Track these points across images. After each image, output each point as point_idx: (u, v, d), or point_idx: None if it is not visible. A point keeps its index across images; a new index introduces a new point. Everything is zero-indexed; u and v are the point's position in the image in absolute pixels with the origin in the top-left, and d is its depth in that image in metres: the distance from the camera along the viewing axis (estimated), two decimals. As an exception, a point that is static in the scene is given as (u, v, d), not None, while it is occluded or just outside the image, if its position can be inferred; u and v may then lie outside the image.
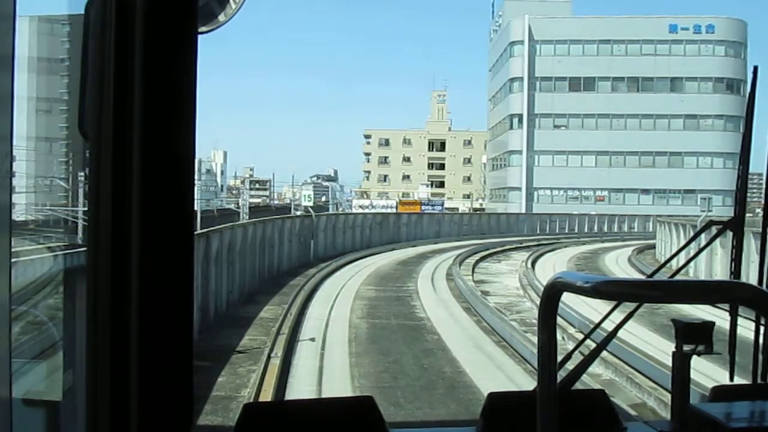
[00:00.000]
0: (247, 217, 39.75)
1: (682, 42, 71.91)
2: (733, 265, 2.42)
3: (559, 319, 1.30)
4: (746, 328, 2.33)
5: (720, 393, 1.98)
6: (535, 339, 5.52)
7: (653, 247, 38.45)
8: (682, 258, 3.01)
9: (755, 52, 70.03)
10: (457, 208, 78.38)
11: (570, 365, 2.05)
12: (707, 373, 6.43)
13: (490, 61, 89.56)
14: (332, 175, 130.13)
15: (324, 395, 10.93)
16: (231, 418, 9.52)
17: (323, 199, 79.04)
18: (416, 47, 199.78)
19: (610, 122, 73.40)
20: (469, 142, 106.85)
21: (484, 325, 17.28)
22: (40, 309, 2.93)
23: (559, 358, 1.42)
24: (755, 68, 2.53)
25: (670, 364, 2.04)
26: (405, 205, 62.04)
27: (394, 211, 55.63)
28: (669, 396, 2.37)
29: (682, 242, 26.58)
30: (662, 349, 11.87)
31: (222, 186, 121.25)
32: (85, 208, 1.36)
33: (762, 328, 2.29)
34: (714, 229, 2.64)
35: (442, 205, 69.40)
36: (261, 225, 25.37)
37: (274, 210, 60.49)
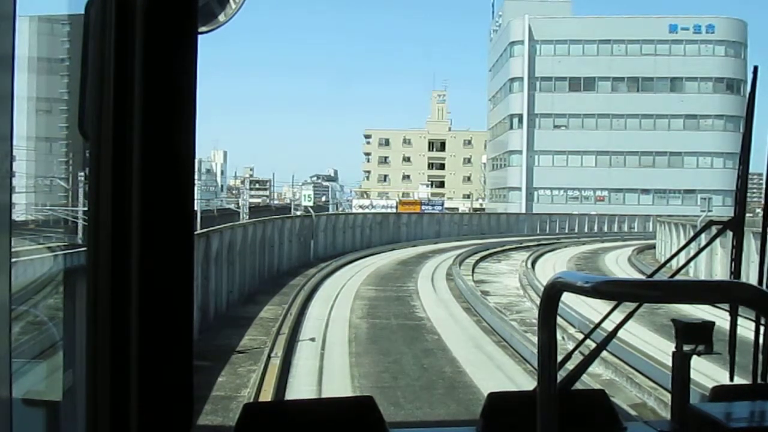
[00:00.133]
0: (247, 217, 39.73)
1: (682, 42, 71.91)
2: (733, 265, 2.42)
3: (559, 319, 1.30)
4: (746, 328, 2.33)
5: (720, 393, 1.98)
6: (535, 339, 5.53)
7: (653, 247, 38.46)
8: (682, 258, 3.01)
9: (755, 52, 70.18)
10: (457, 208, 78.36)
11: (570, 365, 2.05)
12: (707, 373, 6.44)
13: (490, 61, 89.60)
14: (332, 175, 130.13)
15: (324, 395, 10.93)
16: (231, 418, 9.52)
17: (323, 199, 79.05)
18: (416, 47, 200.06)
19: (610, 122, 73.40)
20: (469, 142, 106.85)
21: (484, 325, 17.28)
22: (40, 309, 2.93)
23: (559, 358, 1.42)
24: (755, 68, 2.54)
25: (670, 364, 2.04)
26: (405, 205, 62.02)
27: (394, 211, 55.62)
28: (669, 396, 2.37)
29: (682, 242, 26.59)
30: (662, 349, 11.87)
31: (222, 186, 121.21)
32: (85, 208, 1.36)
33: (762, 328, 2.29)
34: (714, 229, 2.65)
35: (442, 205, 69.37)
36: (261, 225, 25.37)
37: (274, 210, 60.48)
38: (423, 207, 62.54)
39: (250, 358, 13.51)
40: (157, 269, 1.13)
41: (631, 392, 11.46)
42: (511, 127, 77.25)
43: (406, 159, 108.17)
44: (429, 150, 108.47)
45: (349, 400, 2.05)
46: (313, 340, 15.44)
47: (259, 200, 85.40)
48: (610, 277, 1.32)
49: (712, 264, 22.46)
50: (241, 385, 11.78)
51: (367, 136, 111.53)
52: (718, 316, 2.08)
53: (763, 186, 2.76)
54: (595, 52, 73.61)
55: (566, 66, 73.38)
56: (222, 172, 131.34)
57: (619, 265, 33.44)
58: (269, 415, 1.80)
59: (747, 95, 2.56)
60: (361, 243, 38.86)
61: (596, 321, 2.39)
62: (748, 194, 2.49)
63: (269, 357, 13.21)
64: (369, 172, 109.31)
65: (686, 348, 1.95)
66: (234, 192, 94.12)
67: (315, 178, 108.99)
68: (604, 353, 10.92)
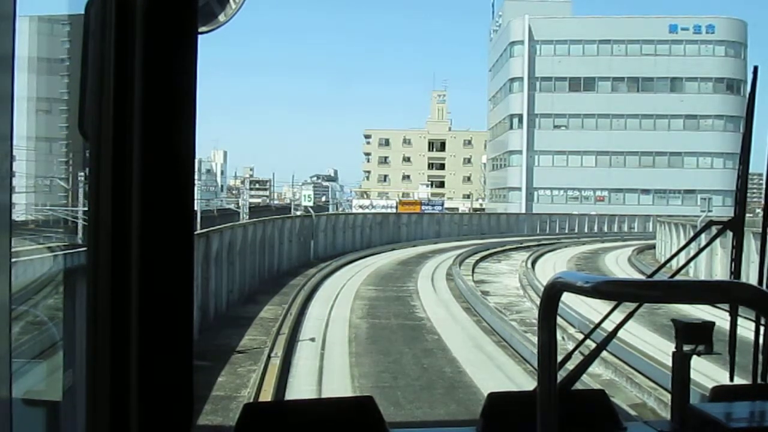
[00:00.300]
0: (247, 217, 39.75)
1: (682, 42, 71.91)
2: (733, 265, 2.43)
3: (559, 319, 1.30)
4: (746, 328, 2.33)
5: (720, 393, 1.98)
6: (535, 339, 5.52)
7: (653, 247, 38.47)
8: (682, 258, 3.01)
9: (755, 52, 70.17)
10: (457, 208, 78.36)
11: (570, 365, 2.05)
12: (707, 373, 6.44)
13: (490, 61, 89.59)
14: (332, 175, 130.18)
15: (324, 395, 10.94)
16: (231, 418, 9.52)
17: (323, 199, 79.11)
18: (416, 47, 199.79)
19: (610, 122, 73.40)
20: (469, 142, 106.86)
21: (484, 325, 17.28)
22: (40, 309, 2.93)
23: (559, 358, 1.42)
24: (755, 68, 2.54)
25: (670, 364, 2.04)
26: (405, 205, 62.04)
27: (394, 211, 55.63)
28: (669, 396, 2.37)
29: (682, 242, 26.58)
30: (662, 349, 11.87)
31: (222, 186, 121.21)
32: (85, 208, 1.36)
33: (762, 328, 2.29)
34: (714, 229, 2.65)
35: (442, 205, 69.38)
36: (261, 225, 25.38)
37: (274, 210, 60.50)
38: (423, 207, 62.55)
39: (250, 358, 13.52)
40: (157, 269, 1.13)
41: (631, 392, 11.46)
42: (511, 127, 77.25)
43: (406, 159, 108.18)
44: (429, 150, 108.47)
45: (349, 400, 2.05)
46: (313, 340, 15.44)
47: (259, 200, 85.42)
48: (610, 277, 1.32)
49: (712, 264, 22.47)
50: (241, 385, 11.79)
51: (367, 136, 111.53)
52: (718, 316, 2.08)
53: (763, 186, 2.76)
54: (595, 52, 73.61)
55: (566, 66, 73.37)
56: (222, 172, 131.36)
57: (619, 265, 33.44)
58: (269, 415, 1.80)
59: (747, 95, 2.56)
60: (361, 243, 38.87)
61: (596, 321, 2.39)
62: (748, 194, 2.49)
63: (269, 357, 13.21)
64: (369, 172, 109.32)
65: (686, 348, 1.94)
66: (234, 192, 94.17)
67: (315, 178, 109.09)
68: (604, 353, 10.92)
